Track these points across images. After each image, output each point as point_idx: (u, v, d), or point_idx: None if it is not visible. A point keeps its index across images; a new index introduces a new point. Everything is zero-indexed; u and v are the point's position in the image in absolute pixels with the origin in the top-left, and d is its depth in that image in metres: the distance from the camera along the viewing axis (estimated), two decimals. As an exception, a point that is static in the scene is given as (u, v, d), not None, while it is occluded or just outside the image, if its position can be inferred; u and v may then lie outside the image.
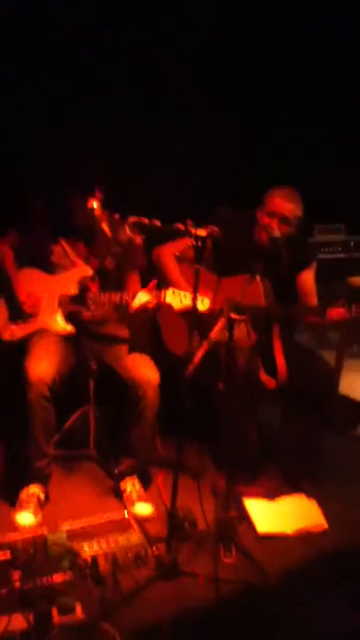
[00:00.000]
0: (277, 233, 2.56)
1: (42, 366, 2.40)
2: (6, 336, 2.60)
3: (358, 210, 3.96)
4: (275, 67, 3.78)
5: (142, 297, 2.39)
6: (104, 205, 2.49)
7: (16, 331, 2.59)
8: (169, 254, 2.73)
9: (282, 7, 3.67)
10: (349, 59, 3.89)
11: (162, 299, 2.35)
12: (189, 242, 2.10)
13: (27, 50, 3.17)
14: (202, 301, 2.28)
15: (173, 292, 2.34)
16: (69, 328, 2.58)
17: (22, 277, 2.67)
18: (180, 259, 2.73)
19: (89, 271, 2.61)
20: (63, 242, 2.66)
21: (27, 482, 2.46)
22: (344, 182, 3.94)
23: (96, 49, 3.34)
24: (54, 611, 1.83)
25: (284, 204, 2.56)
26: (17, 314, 2.62)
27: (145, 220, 2.09)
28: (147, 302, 2.38)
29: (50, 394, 2.39)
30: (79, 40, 3.27)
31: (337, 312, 2.42)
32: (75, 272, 2.62)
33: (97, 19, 3.31)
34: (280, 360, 2.58)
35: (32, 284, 2.65)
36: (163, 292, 2.35)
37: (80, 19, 3.26)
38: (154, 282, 2.41)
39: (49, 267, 2.67)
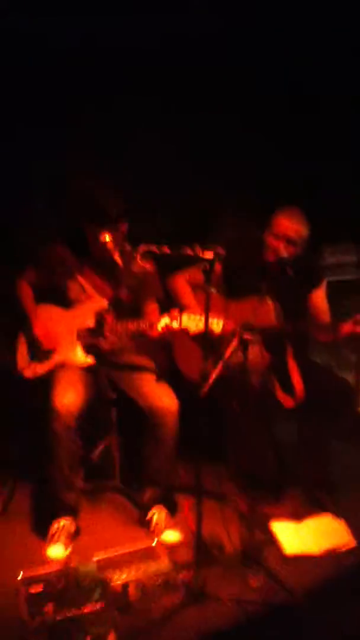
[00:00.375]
0: (284, 254, 2.61)
1: (69, 398, 2.43)
2: (29, 374, 2.66)
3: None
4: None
5: (164, 321, 2.43)
6: (123, 237, 2.55)
7: (38, 368, 2.66)
8: (182, 281, 2.79)
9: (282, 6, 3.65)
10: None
11: (178, 324, 2.40)
12: (199, 267, 2.15)
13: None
14: (217, 323, 2.31)
15: (188, 317, 2.38)
16: (89, 360, 2.63)
17: (40, 313, 2.72)
18: (193, 286, 2.79)
19: (104, 303, 2.66)
20: (79, 278, 2.71)
21: (57, 516, 2.49)
22: (355, 201, 3.95)
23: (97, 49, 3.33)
24: (88, 641, 1.86)
25: (289, 226, 2.62)
26: (36, 352, 2.67)
27: (155, 248, 2.15)
28: (171, 324, 2.41)
29: (76, 425, 2.42)
30: (79, 40, 3.28)
31: (350, 327, 2.45)
32: (91, 305, 2.68)
33: (96, 18, 3.31)
34: (297, 379, 2.59)
35: (49, 320, 2.70)
36: (179, 317, 2.41)
37: (80, 18, 3.26)
38: (176, 309, 2.48)
39: (66, 302, 2.73)
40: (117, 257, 2.49)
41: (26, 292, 2.76)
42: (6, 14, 3.04)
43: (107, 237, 2.50)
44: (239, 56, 3.56)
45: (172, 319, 2.41)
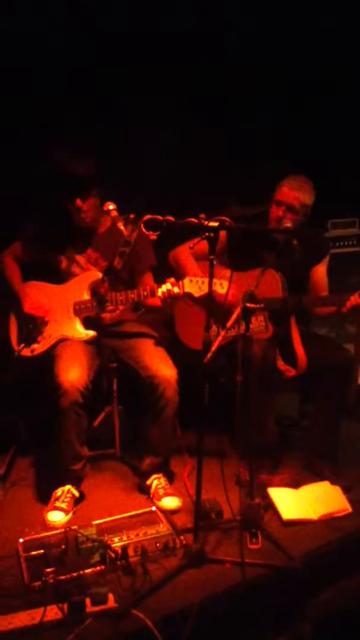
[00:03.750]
0: (288, 223, 2.59)
1: (74, 373, 2.40)
2: (27, 353, 2.62)
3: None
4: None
5: (165, 287, 2.41)
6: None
7: (37, 348, 2.63)
8: (185, 252, 2.75)
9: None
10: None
11: (181, 289, 2.38)
12: (202, 240, 2.12)
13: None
14: (221, 285, 2.29)
15: (190, 281, 2.37)
16: (91, 334, 2.60)
17: (31, 291, 2.68)
18: (197, 259, 2.77)
19: (97, 274, 2.61)
20: (72, 251, 2.67)
21: (62, 484, 2.51)
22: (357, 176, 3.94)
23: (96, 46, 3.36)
24: (87, 601, 1.87)
25: (290, 192, 2.61)
26: (31, 331, 2.64)
27: (159, 217, 2.13)
28: (172, 290, 2.38)
29: (82, 399, 2.41)
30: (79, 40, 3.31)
31: (356, 299, 2.45)
32: (84, 277, 2.63)
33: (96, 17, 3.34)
34: (299, 349, 2.61)
35: (42, 297, 2.65)
36: (181, 282, 2.38)
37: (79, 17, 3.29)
38: (172, 278, 2.45)
39: (58, 276, 2.69)
40: (120, 225, 2.45)
41: (12, 269, 2.71)
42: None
43: (111, 206, 2.47)
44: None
45: (173, 285, 2.39)
